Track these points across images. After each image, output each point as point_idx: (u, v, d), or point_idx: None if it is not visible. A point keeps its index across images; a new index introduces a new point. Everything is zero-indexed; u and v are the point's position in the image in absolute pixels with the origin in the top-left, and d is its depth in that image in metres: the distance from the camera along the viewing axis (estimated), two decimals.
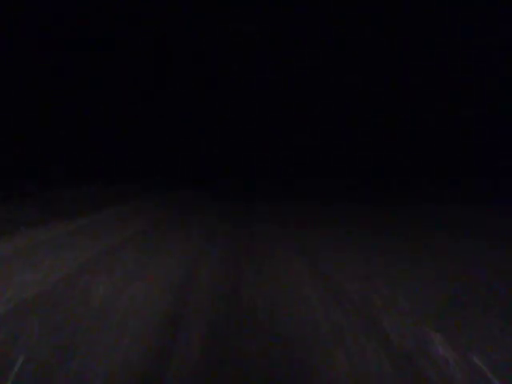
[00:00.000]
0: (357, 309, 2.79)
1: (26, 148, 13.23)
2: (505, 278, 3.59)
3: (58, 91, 15.21)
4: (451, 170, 17.28)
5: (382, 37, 18.81)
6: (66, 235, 5.62)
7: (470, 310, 2.75)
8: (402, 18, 18.24)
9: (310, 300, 2.98)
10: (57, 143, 14.96)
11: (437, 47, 17.98)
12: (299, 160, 25.35)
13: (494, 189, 13.78)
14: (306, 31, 20.46)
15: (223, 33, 20.54)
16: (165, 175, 20.07)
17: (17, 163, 12.13)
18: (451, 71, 17.76)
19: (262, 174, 25.32)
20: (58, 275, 3.56)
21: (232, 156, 26.77)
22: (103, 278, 3.49)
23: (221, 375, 1.93)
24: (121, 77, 18.33)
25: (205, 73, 22.76)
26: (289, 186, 18.95)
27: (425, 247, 5.03)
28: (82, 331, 2.36)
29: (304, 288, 3.28)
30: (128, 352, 2.11)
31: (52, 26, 14.83)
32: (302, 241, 5.53)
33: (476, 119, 17.00)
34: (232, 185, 20.54)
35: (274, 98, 24.20)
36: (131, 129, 19.59)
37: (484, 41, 16.50)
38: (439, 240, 5.58)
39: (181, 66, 21.56)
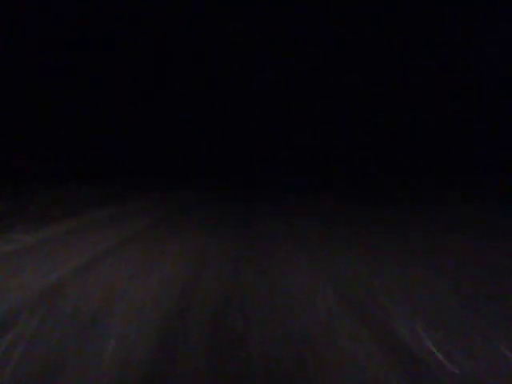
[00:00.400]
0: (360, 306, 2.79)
1: (25, 148, 13.22)
2: (502, 277, 3.59)
3: (58, 91, 15.21)
4: (451, 169, 17.28)
5: (382, 37, 18.82)
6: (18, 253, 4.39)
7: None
8: (402, 18, 18.25)
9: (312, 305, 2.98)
10: (57, 143, 14.96)
11: (437, 47, 17.98)
12: (299, 160, 25.36)
13: (494, 189, 13.79)
14: (306, 31, 20.47)
15: (223, 33, 20.55)
16: (165, 175, 20.07)
17: (15, 163, 12.13)
18: (451, 71, 17.76)
19: (262, 174, 25.32)
20: None
21: (232, 156, 26.78)
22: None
23: None
24: (121, 77, 18.34)
25: (205, 73, 22.76)
26: (289, 186, 18.96)
27: (425, 247, 5.03)
28: None
29: (305, 293, 3.28)
30: None
31: (52, 26, 14.84)
32: (302, 240, 5.53)
33: (476, 119, 17.01)
34: (232, 184, 20.55)
35: (274, 98, 24.21)
36: (131, 129, 19.59)
37: (484, 41, 16.51)
38: (439, 240, 5.58)
39: (181, 66, 21.57)
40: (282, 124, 25.00)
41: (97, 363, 1.91)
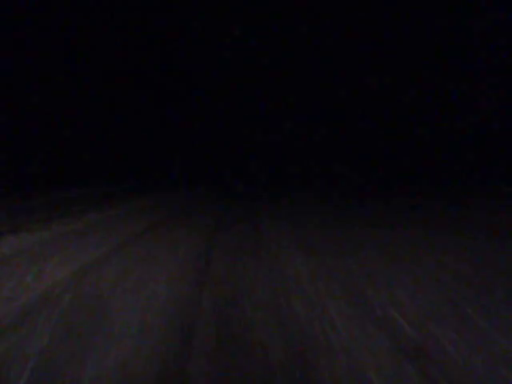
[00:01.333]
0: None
1: (25, 149, 13.22)
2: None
3: (58, 91, 15.21)
4: (451, 170, 17.27)
5: (382, 37, 18.82)
6: None
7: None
8: (402, 18, 18.24)
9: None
10: (57, 144, 14.96)
11: (437, 47, 17.97)
12: (299, 160, 25.32)
13: (494, 189, 13.79)
14: (306, 31, 20.49)
15: (223, 33, 20.56)
16: (164, 175, 20.08)
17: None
18: (451, 72, 17.74)
19: (262, 174, 25.29)
20: None
21: (232, 157, 26.75)
22: None
23: None
24: (120, 76, 18.33)
25: (205, 73, 22.77)
26: (289, 187, 18.95)
27: (425, 247, 5.02)
28: None
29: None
30: None
31: (52, 25, 14.84)
32: (301, 240, 5.53)
33: (476, 121, 16.99)
34: (231, 185, 20.55)
35: (274, 97, 24.20)
36: (131, 129, 19.59)
37: (484, 40, 16.49)
38: (439, 239, 5.57)
39: (181, 65, 21.57)
40: (282, 124, 24.97)
41: None
